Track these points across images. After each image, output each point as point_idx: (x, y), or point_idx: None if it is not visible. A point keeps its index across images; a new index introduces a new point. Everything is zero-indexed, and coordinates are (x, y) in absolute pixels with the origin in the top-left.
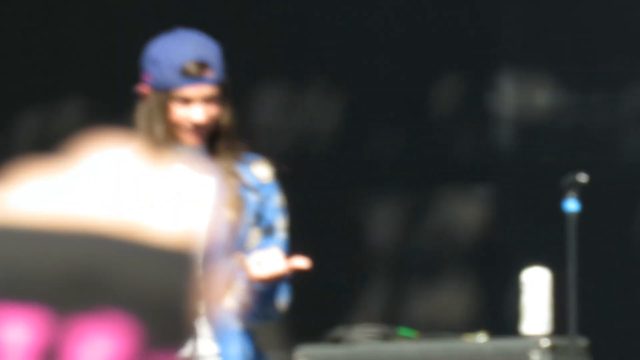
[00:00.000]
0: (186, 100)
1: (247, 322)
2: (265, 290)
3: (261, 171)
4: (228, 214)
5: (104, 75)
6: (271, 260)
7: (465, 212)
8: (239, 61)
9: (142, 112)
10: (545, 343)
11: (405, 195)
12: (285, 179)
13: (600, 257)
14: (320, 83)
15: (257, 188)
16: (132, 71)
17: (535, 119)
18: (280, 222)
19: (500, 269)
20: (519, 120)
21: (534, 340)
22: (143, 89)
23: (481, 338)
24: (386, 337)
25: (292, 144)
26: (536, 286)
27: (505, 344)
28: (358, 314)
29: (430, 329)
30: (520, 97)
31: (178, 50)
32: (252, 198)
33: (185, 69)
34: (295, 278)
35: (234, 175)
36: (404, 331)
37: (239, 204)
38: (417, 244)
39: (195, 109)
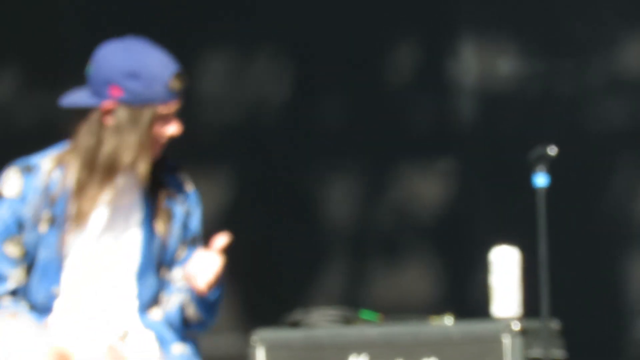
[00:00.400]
0: (163, 116)
1: (196, 333)
2: (216, 297)
3: (185, 179)
4: (158, 228)
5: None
6: (207, 263)
7: (427, 187)
8: (186, 29)
9: (97, 127)
10: (516, 326)
11: (363, 169)
12: (233, 154)
13: (571, 234)
14: (268, 50)
15: (184, 198)
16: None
17: (499, 87)
18: (201, 234)
19: (467, 248)
20: (481, 89)
21: (504, 323)
22: (108, 104)
23: (448, 320)
24: (347, 321)
25: (240, 116)
26: (505, 265)
27: (474, 326)
28: (317, 296)
29: (394, 311)
30: (482, 64)
31: (160, 63)
32: (179, 209)
33: (172, 84)
34: (249, 259)
35: (163, 186)
36: (365, 314)
37: (167, 216)
38: (377, 221)
39: (173, 123)
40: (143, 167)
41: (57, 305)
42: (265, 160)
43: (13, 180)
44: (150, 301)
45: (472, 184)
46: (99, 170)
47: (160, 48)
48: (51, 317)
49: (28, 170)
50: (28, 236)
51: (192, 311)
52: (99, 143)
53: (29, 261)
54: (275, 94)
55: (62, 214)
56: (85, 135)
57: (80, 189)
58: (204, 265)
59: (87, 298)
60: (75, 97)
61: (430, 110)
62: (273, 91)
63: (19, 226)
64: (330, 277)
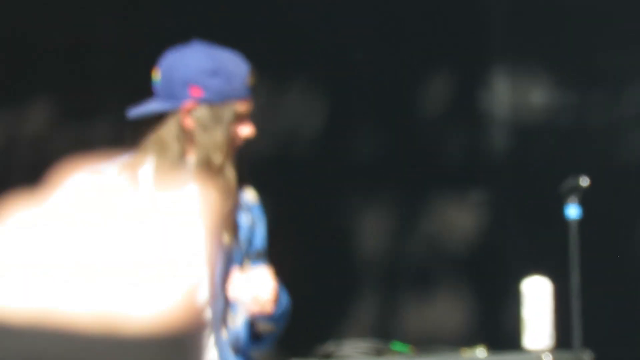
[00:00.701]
0: (241, 115)
1: (266, 346)
2: (281, 309)
3: (249, 192)
4: (224, 238)
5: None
6: (259, 283)
7: (460, 218)
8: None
9: (179, 129)
10: (548, 358)
11: (395, 200)
12: (267, 185)
13: (603, 265)
14: (303, 82)
15: (248, 210)
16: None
17: (531, 119)
18: (266, 248)
19: (499, 279)
20: (513, 121)
21: (535, 355)
22: (188, 104)
23: (480, 353)
24: (379, 353)
25: (274, 147)
26: (537, 297)
27: (506, 359)
28: (349, 327)
29: (425, 343)
30: (515, 95)
31: (235, 61)
32: (245, 220)
33: (249, 80)
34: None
35: (232, 195)
36: (397, 346)
37: (233, 228)
38: (409, 252)
39: (248, 124)
40: (231, 172)
41: None
42: (297, 191)
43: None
44: (221, 317)
45: (505, 215)
46: (196, 168)
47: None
48: None
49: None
50: None
51: (261, 325)
52: (184, 146)
53: None
54: (308, 126)
55: None
56: (168, 139)
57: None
58: (257, 287)
59: None
60: (146, 107)
61: (463, 141)
62: (306, 123)
63: None
64: (362, 308)
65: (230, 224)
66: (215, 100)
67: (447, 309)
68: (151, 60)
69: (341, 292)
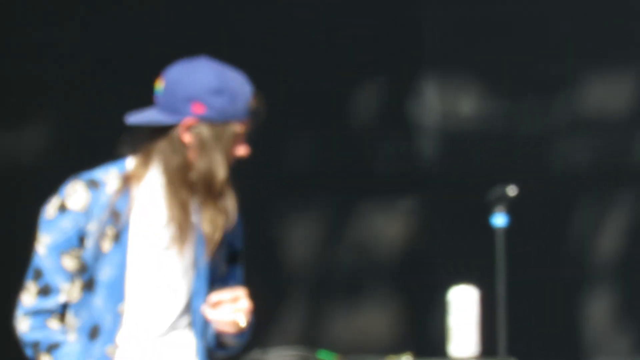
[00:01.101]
0: (238, 135)
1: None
2: (242, 336)
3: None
4: (211, 252)
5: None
6: (235, 308)
7: (389, 226)
8: (154, 67)
9: (180, 145)
10: None
11: (325, 208)
12: None
13: (529, 274)
14: None
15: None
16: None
17: (461, 127)
18: (243, 250)
19: (426, 287)
20: (443, 129)
21: None
22: (189, 121)
23: None
24: None
25: None
26: (463, 305)
27: None
28: (275, 335)
29: (352, 351)
30: (444, 104)
31: (240, 81)
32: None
33: (252, 103)
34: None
35: (224, 213)
36: (323, 354)
37: (219, 242)
38: (338, 260)
39: (243, 144)
40: (230, 192)
41: (123, 324)
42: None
43: (80, 194)
44: (204, 321)
45: (433, 223)
46: (197, 189)
47: (234, 67)
48: (118, 337)
49: (94, 186)
50: (88, 252)
51: (229, 340)
52: (186, 161)
53: (85, 278)
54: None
55: (127, 231)
56: (169, 154)
57: (180, 207)
58: (233, 311)
59: (150, 317)
60: (146, 116)
61: (393, 150)
62: None
63: (80, 240)
64: (289, 316)
65: (217, 239)
66: (217, 119)
67: (374, 317)
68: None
69: (269, 299)
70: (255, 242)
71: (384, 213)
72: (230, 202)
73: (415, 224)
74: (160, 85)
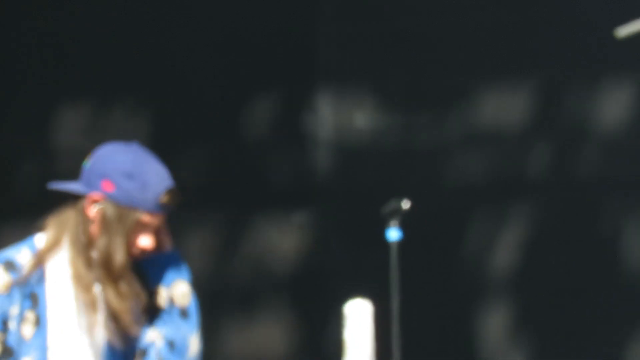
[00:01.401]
0: (144, 225)
1: None
2: None
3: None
4: (128, 330)
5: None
6: None
7: (283, 240)
8: (41, 81)
9: (83, 218)
10: None
11: (219, 221)
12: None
13: (424, 288)
14: (128, 101)
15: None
16: None
17: (355, 141)
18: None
19: (321, 301)
20: (337, 143)
21: None
22: (96, 195)
23: None
24: None
25: None
26: (358, 319)
27: None
28: None
29: None
30: (339, 118)
31: (157, 174)
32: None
33: (162, 198)
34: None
35: (125, 296)
36: None
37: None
38: (232, 274)
39: (148, 237)
40: (130, 276)
41: None
42: None
43: (0, 276)
44: None
45: (328, 237)
46: (97, 266)
47: (160, 161)
48: None
49: (12, 268)
50: (12, 336)
51: None
52: (88, 236)
53: None
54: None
55: (45, 314)
56: (73, 226)
57: (83, 287)
58: None
59: None
60: (65, 184)
61: (287, 163)
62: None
63: (4, 324)
64: None
65: (133, 317)
66: (122, 202)
67: (269, 331)
68: None
69: None
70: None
71: (278, 226)
72: (133, 286)
73: (310, 237)
74: (88, 162)
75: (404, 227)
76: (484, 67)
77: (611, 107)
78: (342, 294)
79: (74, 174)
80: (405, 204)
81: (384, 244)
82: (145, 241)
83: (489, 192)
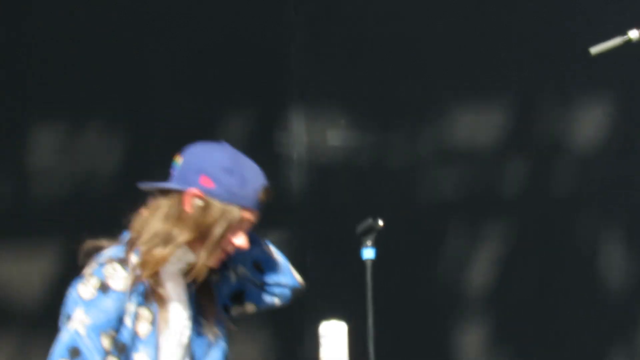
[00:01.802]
0: (240, 222)
1: None
2: None
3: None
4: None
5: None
6: None
7: None
8: (15, 101)
9: (178, 212)
10: None
11: None
12: (63, 227)
13: (400, 305)
14: (101, 121)
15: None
16: None
17: (329, 159)
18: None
19: (297, 320)
20: (311, 161)
21: None
22: (195, 190)
23: None
24: None
25: (72, 187)
26: (334, 339)
27: None
28: None
29: None
30: (312, 135)
31: (254, 171)
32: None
33: (260, 194)
34: None
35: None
36: None
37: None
38: None
39: (243, 235)
40: (203, 271)
41: None
42: (95, 231)
43: (120, 273)
44: None
45: (303, 256)
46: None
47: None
48: None
49: (127, 265)
50: (126, 333)
51: None
52: (180, 230)
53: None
54: (105, 167)
55: (157, 312)
56: (171, 222)
57: (184, 276)
58: None
59: None
60: (157, 183)
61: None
62: (104, 163)
63: (119, 321)
64: None
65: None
66: (222, 198)
67: (245, 350)
68: None
69: None
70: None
71: None
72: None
73: (285, 256)
74: (178, 160)
75: (378, 245)
76: (458, 84)
77: (585, 123)
78: (317, 312)
79: (47, 195)
80: (378, 223)
81: (359, 262)
82: (240, 240)
83: (463, 209)
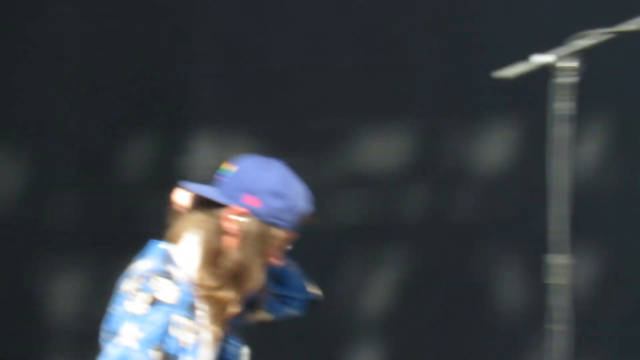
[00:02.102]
0: (280, 244)
1: None
2: None
3: None
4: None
5: None
6: None
7: None
8: None
9: (218, 228)
10: None
11: (90, 265)
12: None
13: (295, 329)
14: (4, 145)
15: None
16: None
17: None
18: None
19: None
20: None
21: None
22: (239, 208)
23: None
24: None
25: None
26: None
27: None
28: None
29: None
30: (215, 160)
31: (303, 197)
32: None
33: (306, 220)
34: None
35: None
36: None
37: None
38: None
39: (279, 255)
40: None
41: None
42: None
43: (169, 286)
44: None
45: None
46: (225, 278)
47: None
48: None
49: (171, 277)
50: (172, 344)
51: None
52: (221, 249)
53: None
54: (10, 190)
55: (200, 323)
56: (209, 237)
57: (214, 296)
58: None
59: None
60: (203, 188)
61: (163, 207)
62: (8, 187)
63: (167, 332)
64: None
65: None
66: (267, 219)
67: None
68: None
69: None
70: (19, 298)
71: None
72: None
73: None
74: (230, 168)
75: None
76: (360, 109)
77: (488, 149)
78: None
79: None
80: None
81: None
82: (277, 260)
83: (363, 235)
